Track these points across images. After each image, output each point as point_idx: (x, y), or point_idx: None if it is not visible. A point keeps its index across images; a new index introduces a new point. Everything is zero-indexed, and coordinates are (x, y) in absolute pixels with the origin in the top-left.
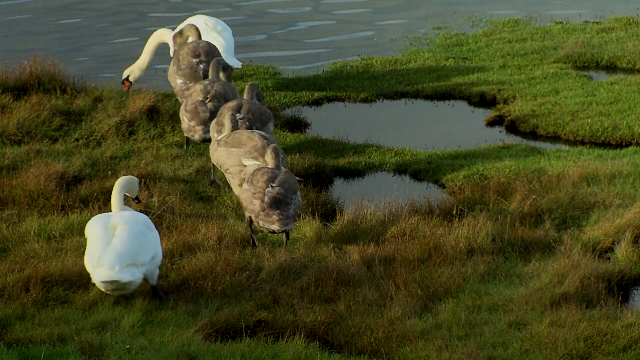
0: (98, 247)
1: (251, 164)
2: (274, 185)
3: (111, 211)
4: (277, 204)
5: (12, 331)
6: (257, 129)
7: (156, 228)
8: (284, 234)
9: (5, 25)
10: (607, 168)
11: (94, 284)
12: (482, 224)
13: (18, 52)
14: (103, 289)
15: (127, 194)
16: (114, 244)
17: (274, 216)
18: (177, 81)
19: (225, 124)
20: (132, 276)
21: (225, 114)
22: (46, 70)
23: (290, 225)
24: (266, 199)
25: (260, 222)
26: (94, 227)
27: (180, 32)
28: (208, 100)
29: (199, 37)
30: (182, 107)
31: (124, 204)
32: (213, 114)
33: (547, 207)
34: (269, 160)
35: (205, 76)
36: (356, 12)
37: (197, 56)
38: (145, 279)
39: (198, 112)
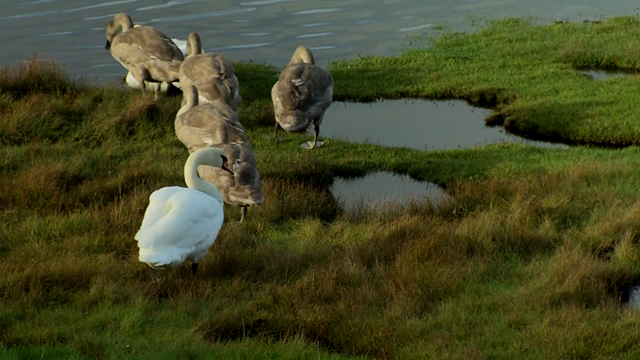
0: (144, 222)
1: (212, 143)
2: (239, 160)
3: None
4: (246, 178)
5: (12, 331)
6: (316, 95)
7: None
8: (242, 209)
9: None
10: (607, 168)
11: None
12: (482, 224)
13: (19, 53)
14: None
15: (210, 165)
16: (158, 224)
17: (246, 190)
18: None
19: (186, 96)
20: (167, 258)
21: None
22: (46, 70)
23: (262, 198)
24: (236, 174)
25: (232, 197)
26: (152, 201)
27: (111, 22)
28: (223, 77)
29: (131, 25)
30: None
31: (203, 180)
32: (231, 91)
33: (547, 207)
34: (218, 138)
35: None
36: (356, 12)
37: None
38: (189, 258)
39: (218, 90)
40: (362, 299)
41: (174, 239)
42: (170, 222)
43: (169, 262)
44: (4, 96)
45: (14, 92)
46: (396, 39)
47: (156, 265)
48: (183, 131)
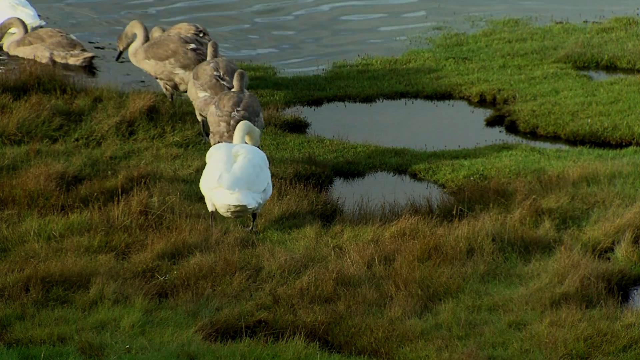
0: (220, 168)
1: (202, 95)
2: (239, 109)
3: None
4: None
5: (12, 331)
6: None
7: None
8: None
9: None
10: (607, 168)
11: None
12: (482, 224)
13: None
14: (222, 210)
15: (249, 141)
16: (235, 169)
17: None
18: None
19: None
20: (252, 202)
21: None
22: (46, 70)
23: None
24: (232, 122)
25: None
26: (217, 152)
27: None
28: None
29: (25, 29)
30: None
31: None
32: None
33: (547, 207)
34: (235, 83)
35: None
36: (356, 12)
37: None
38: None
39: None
40: (362, 300)
41: (249, 183)
42: (245, 166)
43: (255, 206)
44: (4, 96)
45: (14, 92)
46: (396, 39)
47: (248, 207)
48: (190, 85)
